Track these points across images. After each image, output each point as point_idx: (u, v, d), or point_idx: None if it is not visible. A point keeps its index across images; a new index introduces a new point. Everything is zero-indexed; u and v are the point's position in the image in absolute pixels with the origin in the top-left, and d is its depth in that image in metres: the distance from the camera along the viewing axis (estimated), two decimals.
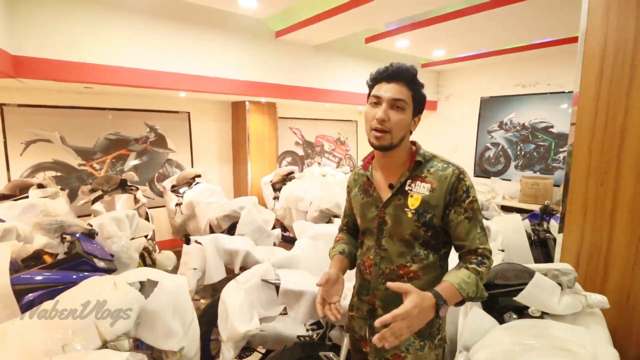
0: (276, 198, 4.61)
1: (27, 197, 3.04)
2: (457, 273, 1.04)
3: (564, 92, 5.10)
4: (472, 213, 1.09)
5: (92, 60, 3.24)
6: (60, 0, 3.08)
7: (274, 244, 3.22)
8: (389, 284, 1.00)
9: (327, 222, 3.75)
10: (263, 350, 2.22)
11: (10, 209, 2.55)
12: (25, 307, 1.49)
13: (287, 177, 4.81)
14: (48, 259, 1.91)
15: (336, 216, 3.76)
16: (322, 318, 1.52)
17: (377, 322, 0.94)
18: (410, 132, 1.17)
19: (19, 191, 3.25)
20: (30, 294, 1.57)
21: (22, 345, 1.14)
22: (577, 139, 1.68)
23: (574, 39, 4.43)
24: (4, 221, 2.29)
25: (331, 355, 1.61)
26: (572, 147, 1.70)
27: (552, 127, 5.24)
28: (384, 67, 1.12)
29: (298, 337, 1.87)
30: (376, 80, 1.13)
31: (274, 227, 3.39)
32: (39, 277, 1.66)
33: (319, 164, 6.33)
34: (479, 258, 1.08)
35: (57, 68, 3.09)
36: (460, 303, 1.05)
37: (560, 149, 5.19)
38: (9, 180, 3.72)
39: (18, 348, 1.13)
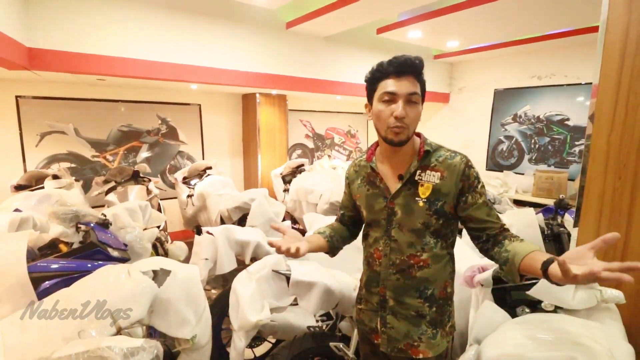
0: (286, 190, 4.62)
1: (42, 187, 3.10)
2: (528, 245, 1.02)
3: (581, 84, 4.96)
4: (486, 197, 1.13)
5: (105, 52, 3.27)
6: None
7: None
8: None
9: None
10: (273, 340, 2.25)
11: (26, 199, 2.61)
12: (41, 295, 1.52)
13: (297, 170, 4.81)
14: (63, 248, 1.96)
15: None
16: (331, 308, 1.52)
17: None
18: None
19: (34, 182, 3.32)
20: (46, 282, 1.62)
21: (39, 331, 1.17)
22: (596, 131, 1.64)
23: (592, 29, 4.29)
24: (20, 211, 2.35)
25: (341, 346, 1.62)
26: (590, 140, 1.65)
27: (568, 119, 5.12)
28: (388, 62, 1.08)
29: (308, 327, 1.88)
30: (385, 74, 1.09)
31: (284, 219, 3.40)
32: (54, 266, 1.70)
33: (329, 156, 6.32)
34: (513, 234, 1.10)
35: (71, 60, 3.12)
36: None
37: (576, 142, 5.07)
38: (25, 171, 3.81)
39: (36, 334, 1.16)
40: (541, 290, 1.29)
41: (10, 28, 2.59)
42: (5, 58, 2.49)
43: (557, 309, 1.32)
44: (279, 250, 1.07)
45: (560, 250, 2.40)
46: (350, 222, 1.41)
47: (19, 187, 3.22)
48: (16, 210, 2.41)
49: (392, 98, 1.08)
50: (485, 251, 1.14)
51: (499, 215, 1.15)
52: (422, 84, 1.12)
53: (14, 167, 3.79)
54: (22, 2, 2.88)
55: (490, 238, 1.12)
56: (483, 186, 1.14)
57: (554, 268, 0.88)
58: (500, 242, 1.09)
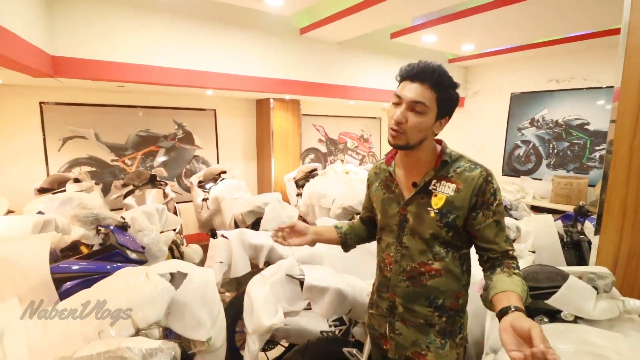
0: (299, 195, 4.64)
1: (64, 190, 3.20)
2: (513, 281, 1.00)
3: (601, 88, 4.84)
4: (499, 216, 1.08)
5: (124, 59, 3.37)
6: (96, 2, 3.21)
7: None
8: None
9: (350, 219, 3.74)
10: (286, 344, 2.25)
11: (49, 202, 2.69)
12: (63, 295, 1.57)
13: (310, 174, 4.83)
14: (84, 250, 2.01)
15: (358, 213, 3.75)
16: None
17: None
18: (435, 134, 1.13)
19: (57, 185, 3.43)
20: (68, 283, 1.66)
21: (61, 331, 1.20)
22: (618, 136, 1.60)
23: (613, 32, 4.19)
24: (43, 213, 2.43)
25: (354, 352, 1.61)
26: (612, 145, 1.61)
27: (587, 124, 5.00)
28: (409, 65, 1.07)
29: (321, 332, 1.88)
30: (402, 77, 1.09)
31: None
32: (75, 267, 1.75)
33: (342, 161, 6.32)
34: (515, 262, 1.07)
35: (92, 67, 3.23)
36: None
37: (597, 147, 4.94)
38: (48, 174, 3.94)
39: (57, 333, 1.20)
40: (561, 299, 1.26)
41: (35, 38, 2.70)
42: (31, 66, 2.59)
43: (577, 319, 1.29)
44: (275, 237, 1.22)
45: (581, 259, 2.34)
46: (368, 222, 1.42)
47: (42, 190, 3.33)
48: (39, 212, 2.49)
49: (399, 101, 1.08)
50: (482, 269, 1.13)
51: (508, 236, 1.12)
52: (442, 95, 1.05)
53: (38, 170, 3.93)
54: (47, 13, 3.00)
55: (489, 260, 1.10)
56: (499, 204, 1.08)
57: (506, 320, 0.86)
58: (494, 268, 1.07)
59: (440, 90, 1.05)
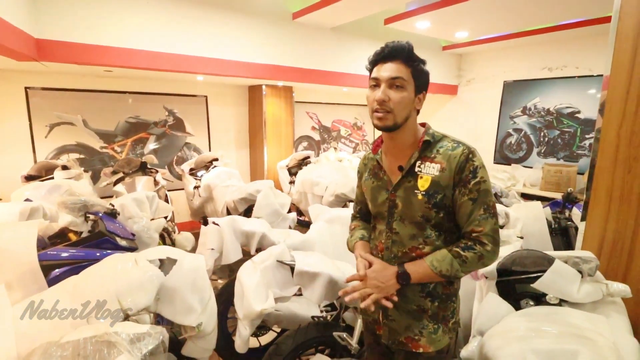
0: (292, 182, 4.63)
1: (52, 178, 3.15)
2: (436, 253, 1.11)
3: (592, 76, 4.86)
4: (477, 194, 1.06)
5: (111, 43, 3.28)
6: None
7: (290, 228, 3.26)
8: (360, 253, 1.21)
9: (343, 207, 3.75)
10: (278, 329, 2.28)
11: (36, 189, 2.65)
12: (51, 282, 1.56)
13: (303, 162, 4.81)
14: (73, 237, 2.00)
15: (351, 201, 3.76)
16: (343, 300, 1.53)
17: (347, 278, 1.19)
18: (417, 112, 1.15)
19: (44, 172, 3.37)
20: (56, 270, 1.65)
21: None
22: (606, 123, 1.61)
23: (606, 19, 4.19)
24: (31, 201, 2.39)
25: (344, 336, 1.64)
26: (600, 133, 1.63)
27: (578, 112, 5.03)
28: (379, 49, 1.10)
29: (312, 317, 1.90)
30: (374, 62, 1.12)
31: (289, 211, 3.42)
32: (64, 254, 1.74)
33: (335, 148, 6.31)
34: (469, 243, 1.08)
35: (78, 51, 3.14)
36: (442, 277, 1.09)
37: (587, 136, 4.99)
38: (35, 161, 3.87)
39: (47, 319, 1.19)
40: (546, 283, 1.29)
41: (19, 19, 2.61)
42: (14, 49, 2.51)
43: (562, 302, 1.32)
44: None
45: (568, 244, 2.38)
46: (368, 215, 1.38)
47: (29, 178, 3.28)
48: (27, 200, 2.46)
49: (376, 83, 1.10)
50: None
51: (488, 216, 1.06)
52: (415, 69, 1.09)
53: (25, 157, 3.85)
54: None
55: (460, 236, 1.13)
56: (480, 182, 1.06)
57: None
58: (452, 244, 1.12)
59: (412, 64, 1.09)
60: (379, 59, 1.10)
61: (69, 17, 3.08)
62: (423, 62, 1.11)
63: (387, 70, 1.08)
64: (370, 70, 1.14)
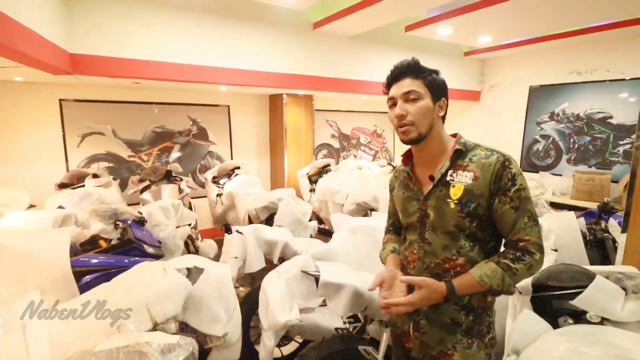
0: (312, 190, 4.63)
1: (83, 185, 3.27)
2: (482, 266, 1.06)
3: (625, 80, 4.66)
4: (518, 202, 1.03)
5: (140, 56, 3.41)
6: (112, 0, 3.24)
7: (311, 236, 3.24)
8: (402, 278, 1.12)
9: (364, 216, 3.71)
10: (300, 340, 2.25)
11: (69, 196, 2.75)
12: (83, 288, 1.59)
13: (323, 170, 4.81)
14: (103, 244, 2.05)
15: (372, 209, 3.71)
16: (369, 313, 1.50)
17: (404, 279, 1.12)
18: (443, 119, 1.16)
19: (76, 180, 3.51)
20: (87, 276, 1.69)
21: (81, 324, 1.22)
22: None
23: (637, 21, 4.02)
24: (64, 208, 2.48)
25: (370, 349, 1.60)
26: None
27: (610, 117, 4.82)
28: (389, 73, 1.16)
29: (336, 329, 1.87)
30: (388, 85, 1.17)
31: (310, 220, 3.41)
32: (94, 261, 1.78)
33: (355, 156, 6.28)
34: (517, 253, 1.04)
35: (109, 64, 3.27)
36: (492, 293, 1.09)
37: (620, 142, 4.77)
38: (68, 170, 4.03)
39: (78, 326, 1.22)
40: (587, 300, 1.22)
41: (55, 36, 2.74)
42: (51, 64, 2.64)
43: (604, 321, 1.24)
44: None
45: (604, 258, 2.26)
46: (400, 231, 1.35)
47: (62, 185, 3.41)
48: (60, 207, 2.55)
49: (393, 102, 1.14)
50: None
51: (534, 224, 1.03)
52: (427, 80, 1.11)
53: (58, 166, 4.02)
54: (65, 11, 3.04)
55: (504, 246, 1.09)
56: (520, 190, 1.03)
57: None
58: (497, 254, 1.09)
59: (422, 75, 1.11)
60: (391, 80, 1.15)
61: (100, 32, 3.23)
62: (433, 71, 1.13)
63: (399, 87, 1.12)
64: (387, 94, 1.18)
